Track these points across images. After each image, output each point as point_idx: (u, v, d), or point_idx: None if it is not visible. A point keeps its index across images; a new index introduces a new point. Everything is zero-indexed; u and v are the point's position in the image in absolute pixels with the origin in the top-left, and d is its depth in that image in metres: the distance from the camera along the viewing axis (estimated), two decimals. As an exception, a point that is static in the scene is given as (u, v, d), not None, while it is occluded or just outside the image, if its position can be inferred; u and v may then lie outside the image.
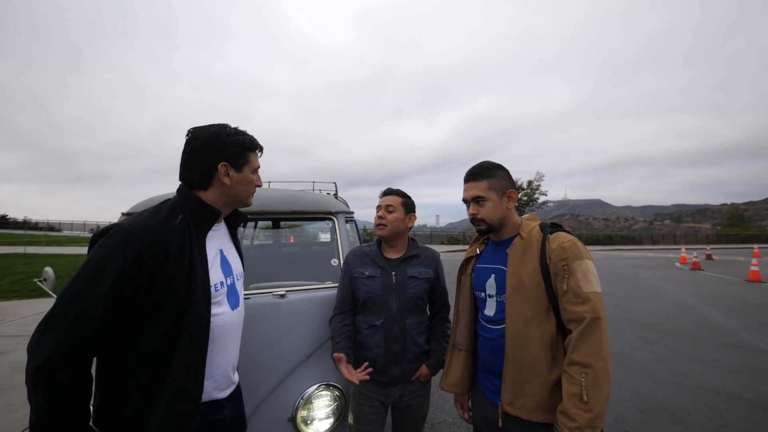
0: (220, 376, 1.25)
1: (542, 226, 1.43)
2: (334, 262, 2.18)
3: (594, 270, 1.29)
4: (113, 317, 0.97)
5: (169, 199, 1.19)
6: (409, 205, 1.85)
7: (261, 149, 1.32)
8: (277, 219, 3.22)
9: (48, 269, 2.12)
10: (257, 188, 1.36)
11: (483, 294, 1.49)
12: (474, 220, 1.48)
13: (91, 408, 1.01)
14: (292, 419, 1.65)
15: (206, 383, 1.15)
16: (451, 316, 1.75)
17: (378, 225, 1.81)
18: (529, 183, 32.94)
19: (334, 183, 3.83)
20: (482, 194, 1.44)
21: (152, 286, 1.01)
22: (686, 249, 20.14)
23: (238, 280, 1.36)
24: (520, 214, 1.53)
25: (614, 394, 3.58)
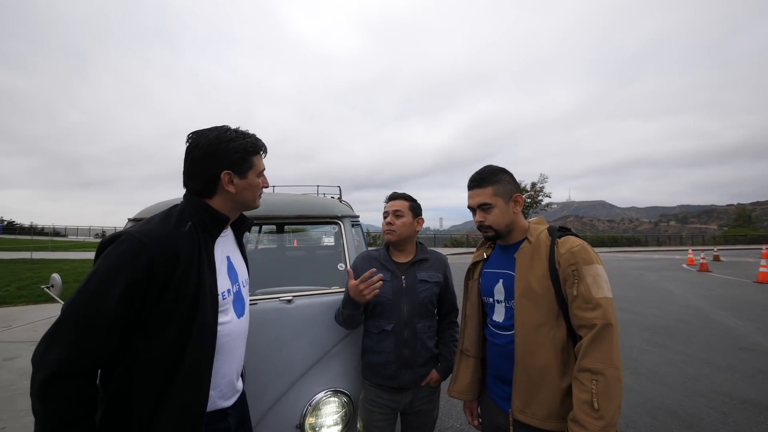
0: (226, 385, 1.22)
1: (550, 230, 1.41)
2: (341, 266, 2.17)
3: (604, 275, 1.26)
4: (122, 327, 0.95)
5: (177, 206, 1.16)
6: (416, 209, 1.84)
7: (265, 150, 1.27)
8: (283, 224, 3.21)
9: (55, 275, 2.12)
10: (264, 190, 1.33)
11: (491, 299, 1.47)
12: (481, 227, 1.46)
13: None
14: (300, 426, 1.63)
15: (211, 393, 1.13)
16: (458, 321, 1.74)
17: (387, 231, 1.80)
18: (533, 185, 32.82)
19: (338, 187, 3.82)
20: (488, 201, 1.42)
21: (161, 295, 0.99)
22: (693, 250, 19.97)
23: (243, 286, 1.33)
24: (525, 217, 1.52)
25: (625, 400, 3.51)
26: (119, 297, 0.92)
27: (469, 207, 1.50)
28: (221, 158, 1.14)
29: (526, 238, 1.42)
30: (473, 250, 1.70)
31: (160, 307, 0.99)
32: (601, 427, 1.10)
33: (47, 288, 2.14)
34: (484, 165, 1.50)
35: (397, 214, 1.79)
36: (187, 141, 1.17)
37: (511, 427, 1.36)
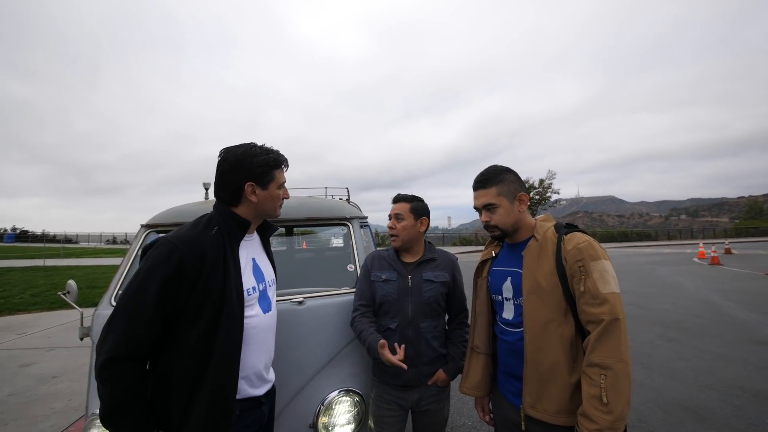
0: (254, 375, 1.35)
1: (557, 227, 1.42)
2: (351, 267, 2.20)
3: (611, 270, 1.27)
4: (162, 317, 1.11)
5: (206, 214, 1.33)
6: (418, 209, 1.84)
7: (286, 164, 1.42)
8: (292, 226, 3.26)
9: (71, 282, 2.18)
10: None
11: (500, 297, 1.49)
12: (487, 227, 1.48)
13: None
14: (314, 425, 1.67)
15: (240, 381, 1.26)
16: (468, 319, 1.75)
17: (391, 237, 1.84)
18: (541, 182, 32.63)
19: (347, 188, 3.87)
20: (492, 201, 1.43)
21: (192, 290, 1.15)
22: (704, 244, 19.72)
23: (270, 286, 1.47)
24: (533, 214, 1.52)
25: (636, 394, 3.52)
26: (157, 291, 1.09)
27: (474, 207, 1.52)
28: (246, 171, 1.30)
29: (533, 235, 1.43)
30: (482, 248, 1.71)
31: (192, 301, 1.15)
32: (611, 422, 1.12)
33: (63, 294, 2.20)
34: (489, 165, 1.51)
35: (397, 218, 1.82)
36: (219, 156, 1.33)
37: (522, 423, 1.38)
